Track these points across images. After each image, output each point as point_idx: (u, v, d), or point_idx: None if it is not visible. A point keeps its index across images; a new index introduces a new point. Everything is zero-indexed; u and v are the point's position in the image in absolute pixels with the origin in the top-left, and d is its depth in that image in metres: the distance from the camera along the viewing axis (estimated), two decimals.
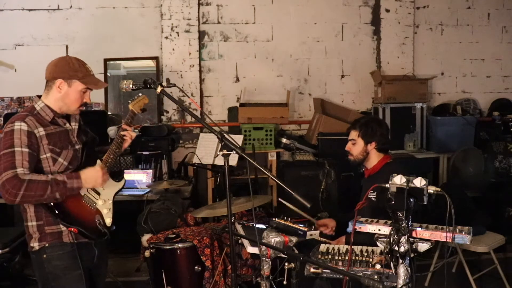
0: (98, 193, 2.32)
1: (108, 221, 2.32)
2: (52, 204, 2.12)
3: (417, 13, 5.38)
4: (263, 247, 2.18)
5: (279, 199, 3.23)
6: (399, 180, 1.93)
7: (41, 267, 2.20)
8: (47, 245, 2.18)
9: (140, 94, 2.61)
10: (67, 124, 2.30)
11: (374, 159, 2.90)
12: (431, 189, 1.90)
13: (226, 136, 2.14)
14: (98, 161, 2.35)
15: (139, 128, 4.62)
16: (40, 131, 2.14)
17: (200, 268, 2.85)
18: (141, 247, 3.07)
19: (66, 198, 2.15)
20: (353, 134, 2.94)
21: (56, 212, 2.13)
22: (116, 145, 2.39)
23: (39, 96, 2.27)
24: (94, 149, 2.42)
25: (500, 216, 4.41)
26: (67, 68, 2.22)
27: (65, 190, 2.11)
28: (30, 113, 2.18)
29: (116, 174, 2.47)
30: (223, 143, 2.12)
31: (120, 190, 2.46)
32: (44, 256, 2.18)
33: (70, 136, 2.29)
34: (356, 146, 2.92)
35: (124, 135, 2.44)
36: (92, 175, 2.22)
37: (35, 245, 2.19)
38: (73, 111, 2.30)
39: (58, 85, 2.21)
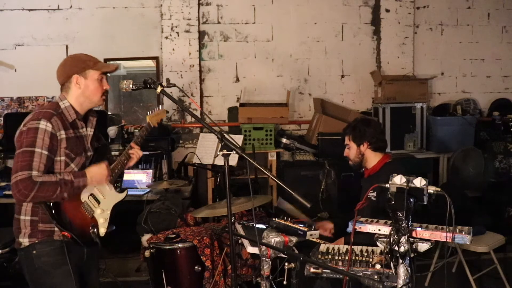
0: (98, 202, 2.31)
1: (102, 231, 2.30)
2: (51, 204, 2.12)
3: (417, 13, 5.38)
4: (263, 247, 2.19)
5: (278, 202, 3.24)
6: (399, 180, 1.93)
7: (31, 263, 2.20)
8: (36, 241, 2.18)
9: (160, 107, 2.63)
10: (84, 129, 2.31)
11: (373, 159, 2.91)
12: (431, 189, 1.90)
13: (226, 136, 2.14)
14: None
15: (139, 128, 4.62)
16: (62, 134, 2.15)
17: (200, 268, 2.85)
18: (141, 247, 3.07)
19: (66, 202, 2.15)
20: (346, 140, 3.00)
21: (53, 212, 2.13)
22: (123, 159, 2.42)
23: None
24: (106, 155, 2.43)
25: (500, 216, 4.42)
26: (76, 63, 2.25)
27: (73, 189, 2.13)
28: (55, 111, 2.17)
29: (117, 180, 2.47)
30: (223, 143, 2.12)
31: (120, 202, 2.45)
32: (34, 252, 2.18)
33: (84, 142, 2.30)
34: (351, 150, 2.98)
35: (132, 153, 2.46)
36: (97, 172, 2.23)
37: (24, 241, 2.19)
38: (97, 102, 2.31)
39: (75, 81, 2.23)
